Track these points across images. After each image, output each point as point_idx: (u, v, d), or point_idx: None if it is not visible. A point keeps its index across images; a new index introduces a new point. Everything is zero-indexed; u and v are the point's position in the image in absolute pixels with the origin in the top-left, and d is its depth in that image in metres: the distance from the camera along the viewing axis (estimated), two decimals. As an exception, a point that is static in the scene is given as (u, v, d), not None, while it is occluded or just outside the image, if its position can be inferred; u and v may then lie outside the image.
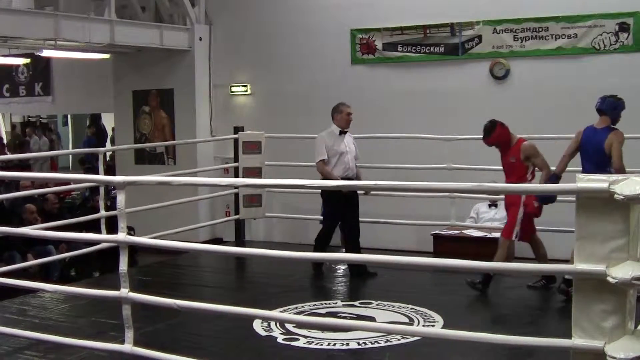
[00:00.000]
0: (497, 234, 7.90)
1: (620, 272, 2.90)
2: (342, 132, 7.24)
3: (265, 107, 11.05)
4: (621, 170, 5.88)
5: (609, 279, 2.91)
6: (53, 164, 15.83)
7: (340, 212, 7.28)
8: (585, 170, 6.05)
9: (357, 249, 7.25)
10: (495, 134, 6.50)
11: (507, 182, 6.43)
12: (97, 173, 8.25)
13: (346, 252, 7.34)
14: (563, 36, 9.07)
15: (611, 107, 6.12)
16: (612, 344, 2.96)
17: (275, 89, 10.88)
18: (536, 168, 6.43)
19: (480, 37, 9.53)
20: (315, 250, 7.27)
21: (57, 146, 16.68)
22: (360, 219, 7.46)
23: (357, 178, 7.30)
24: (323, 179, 7.00)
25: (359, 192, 7.21)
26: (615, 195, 2.86)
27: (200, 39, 11.23)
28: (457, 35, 9.65)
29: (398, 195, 8.22)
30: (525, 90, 9.29)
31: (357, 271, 7.17)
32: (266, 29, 10.93)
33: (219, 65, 11.34)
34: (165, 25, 11.05)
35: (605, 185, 2.91)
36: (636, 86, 8.38)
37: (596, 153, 6.05)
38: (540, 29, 9.18)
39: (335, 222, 7.46)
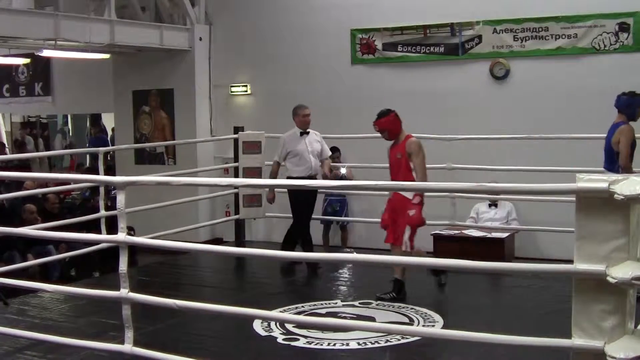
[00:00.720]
0: (497, 234, 7.93)
1: (620, 272, 2.90)
2: (304, 133, 7.51)
3: (265, 107, 11.05)
4: (627, 166, 5.94)
5: (609, 279, 2.91)
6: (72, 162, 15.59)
7: (305, 207, 7.55)
8: (604, 166, 6.25)
9: (292, 245, 7.54)
10: (386, 119, 6.23)
11: (392, 180, 6.09)
12: (96, 173, 8.25)
13: (283, 243, 7.60)
14: (563, 36, 9.07)
15: (624, 105, 6.25)
16: (611, 344, 2.95)
17: (275, 89, 10.89)
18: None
19: (480, 37, 9.53)
20: (288, 247, 7.54)
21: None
22: (359, 219, 7.51)
23: (323, 175, 7.60)
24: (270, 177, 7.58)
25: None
26: (615, 195, 2.86)
27: (200, 39, 11.24)
28: (457, 35, 9.65)
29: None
30: (525, 90, 9.29)
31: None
32: (266, 29, 10.94)
33: (219, 65, 11.35)
34: (165, 25, 11.06)
35: (605, 185, 2.91)
36: (636, 86, 8.36)
37: (607, 149, 6.21)
38: (540, 29, 9.18)
39: (304, 217, 7.64)
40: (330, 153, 7.84)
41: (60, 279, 8.38)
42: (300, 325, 5.30)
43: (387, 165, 8.67)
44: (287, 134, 7.61)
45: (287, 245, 7.61)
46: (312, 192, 7.47)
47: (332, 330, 5.15)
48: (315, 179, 7.40)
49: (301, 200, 7.47)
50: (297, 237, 7.60)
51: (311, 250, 7.31)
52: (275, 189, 7.77)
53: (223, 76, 11.33)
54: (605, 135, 6.33)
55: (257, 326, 5.43)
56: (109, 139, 15.44)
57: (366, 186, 4.03)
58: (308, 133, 7.55)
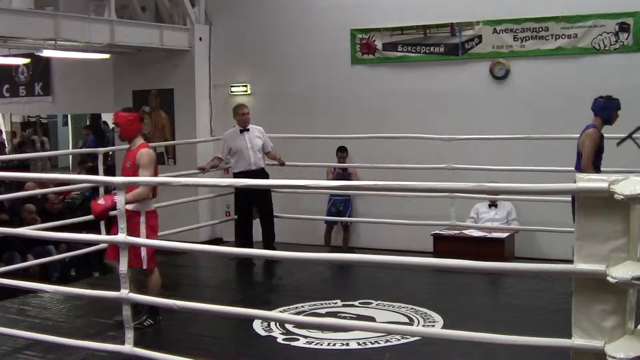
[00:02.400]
0: (497, 234, 7.94)
1: (620, 272, 2.90)
2: (244, 130, 7.93)
3: (265, 107, 11.04)
4: (587, 170, 5.93)
5: (609, 278, 2.91)
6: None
7: (248, 206, 7.96)
8: (575, 166, 6.24)
9: (271, 244, 7.88)
10: (124, 114, 5.68)
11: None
12: (97, 173, 8.26)
13: (263, 246, 7.84)
14: (563, 36, 9.07)
15: (599, 108, 6.26)
16: (612, 343, 2.95)
17: (275, 89, 10.88)
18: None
19: (480, 37, 9.52)
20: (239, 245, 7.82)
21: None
22: (361, 219, 7.53)
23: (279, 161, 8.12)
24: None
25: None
26: (615, 195, 2.86)
27: (200, 39, 11.23)
28: (457, 35, 9.64)
29: (398, 195, 8.22)
30: (525, 90, 9.29)
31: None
32: (266, 29, 10.93)
33: (219, 65, 11.34)
34: (165, 25, 11.05)
35: (605, 185, 2.91)
36: (636, 86, 8.38)
37: (577, 150, 6.23)
38: (540, 29, 9.18)
39: (243, 215, 8.07)
40: (272, 145, 8.18)
41: (60, 279, 8.38)
42: (300, 325, 5.30)
43: (386, 165, 8.74)
44: (227, 132, 8.13)
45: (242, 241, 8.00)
46: (255, 192, 7.72)
47: (332, 330, 5.15)
48: (256, 173, 7.75)
49: (242, 198, 7.93)
50: (237, 234, 8.08)
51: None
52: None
53: (223, 76, 11.32)
54: (606, 135, 6.33)
55: (257, 326, 5.43)
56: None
57: (367, 187, 4.03)
58: (248, 130, 7.96)
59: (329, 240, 10.25)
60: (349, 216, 10.00)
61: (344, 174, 9.91)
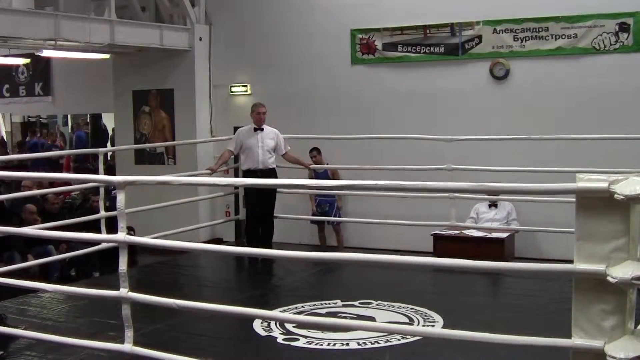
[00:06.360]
0: (497, 234, 7.94)
1: (620, 271, 2.89)
2: (257, 129, 7.99)
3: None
4: None
5: (609, 278, 2.91)
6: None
7: (255, 205, 8.00)
8: None
9: (269, 243, 7.89)
10: None
11: None
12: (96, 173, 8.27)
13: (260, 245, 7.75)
14: (563, 36, 9.07)
15: None
16: (612, 343, 2.95)
17: (275, 89, 10.88)
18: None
19: (480, 37, 9.53)
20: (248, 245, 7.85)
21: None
22: (355, 219, 7.58)
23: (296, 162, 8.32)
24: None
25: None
26: (615, 195, 2.86)
27: (200, 39, 11.23)
28: (457, 35, 9.65)
29: (398, 196, 8.22)
30: (525, 90, 9.29)
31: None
32: (266, 29, 10.93)
33: (219, 65, 11.34)
34: (165, 25, 11.06)
35: (605, 185, 2.91)
36: (636, 86, 8.39)
37: None
38: (540, 29, 9.18)
39: (253, 215, 8.09)
40: (289, 148, 8.24)
41: (60, 279, 8.38)
42: (300, 325, 5.30)
43: (386, 165, 8.73)
44: (242, 128, 8.16)
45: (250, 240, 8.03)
46: (260, 192, 7.73)
47: (332, 330, 5.15)
48: (264, 173, 7.82)
49: (249, 197, 8.01)
50: (245, 232, 8.15)
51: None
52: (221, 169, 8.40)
53: (223, 76, 11.32)
54: (606, 135, 6.33)
55: (257, 326, 5.42)
56: (109, 138, 15.45)
57: (366, 186, 4.02)
58: (262, 130, 8.02)
59: (324, 241, 10.25)
60: (335, 216, 9.95)
61: (323, 174, 9.83)
